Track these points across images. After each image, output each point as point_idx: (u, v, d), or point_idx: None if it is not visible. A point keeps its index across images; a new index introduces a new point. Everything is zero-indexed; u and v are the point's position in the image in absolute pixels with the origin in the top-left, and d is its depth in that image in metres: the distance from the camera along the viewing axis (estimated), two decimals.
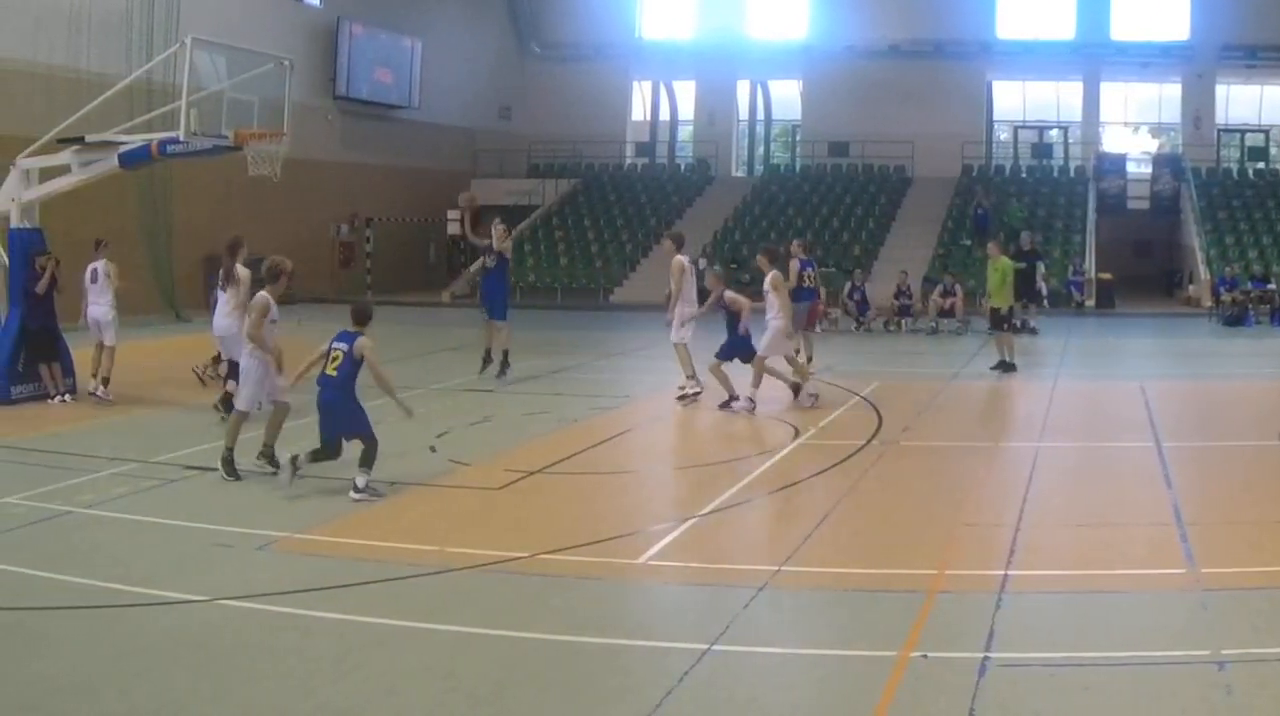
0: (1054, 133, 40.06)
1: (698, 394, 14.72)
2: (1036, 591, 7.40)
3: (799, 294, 17.22)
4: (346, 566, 7.85)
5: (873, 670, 6.09)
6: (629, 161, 41.59)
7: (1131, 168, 36.28)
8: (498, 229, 17.19)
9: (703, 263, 28.32)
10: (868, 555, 8.28)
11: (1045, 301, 26.67)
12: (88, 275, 15.10)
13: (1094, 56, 37.46)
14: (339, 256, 33.93)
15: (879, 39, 37.77)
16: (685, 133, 42.99)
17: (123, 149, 14.78)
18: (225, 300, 13.11)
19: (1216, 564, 7.74)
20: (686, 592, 7.67)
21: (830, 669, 6.26)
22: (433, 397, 14.98)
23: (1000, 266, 17.91)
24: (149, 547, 8.42)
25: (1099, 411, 15.05)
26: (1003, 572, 7.66)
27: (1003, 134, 40.77)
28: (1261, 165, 37.34)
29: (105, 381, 14.67)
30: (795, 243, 18.29)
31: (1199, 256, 30.77)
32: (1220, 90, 37.64)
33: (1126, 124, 40.11)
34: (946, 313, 24.75)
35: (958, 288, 25.14)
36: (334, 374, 9.75)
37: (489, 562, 7.94)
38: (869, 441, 12.19)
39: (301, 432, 11.42)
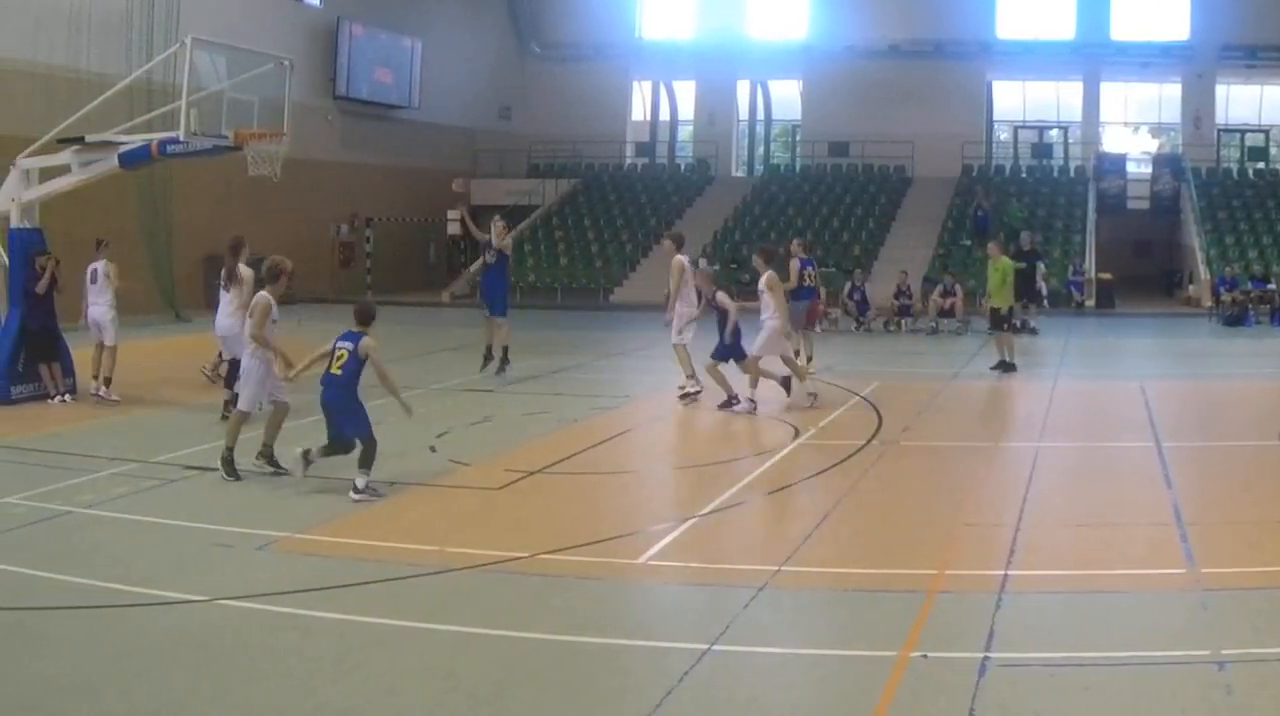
0: (1054, 133, 40.06)
1: (698, 393, 14.73)
2: (1036, 591, 7.40)
3: (799, 293, 17.28)
4: (346, 566, 7.85)
5: (873, 670, 6.09)
6: (629, 161, 41.60)
7: (1131, 168, 36.28)
8: (497, 226, 17.23)
9: (703, 263, 28.34)
10: (868, 555, 8.28)
11: (1045, 301, 26.66)
12: (88, 275, 15.10)
13: (1094, 56, 37.46)
14: (339, 256, 33.94)
15: (879, 39, 37.77)
16: (685, 133, 43.00)
17: (123, 149, 14.79)
18: (228, 300, 13.11)
19: (1216, 564, 7.74)
20: (686, 592, 7.66)
21: (830, 669, 6.26)
22: (433, 397, 14.98)
23: (1001, 266, 17.91)
24: (149, 547, 8.42)
25: (1099, 411, 15.05)
26: (1003, 572, 7.66)
27: (1003, 134, 40.77)
28: (1261, 165, 37.34)
29: (108, 381, 14.67)
30: (795, 242, 18.31)
31: (1199, 256, 30.77)
32: (1220, 90, 37.64)
33: (1126, 124, 40.11)
34: (946, 313, 24.76)
35: (958, 287, 25.15)
36: (339, 373, 9.79)
37: (489, 562, 7.94)
38: (869, 441, 12.19)
39: (301, 433, 11.42)
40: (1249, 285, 27.13)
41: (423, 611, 7.04)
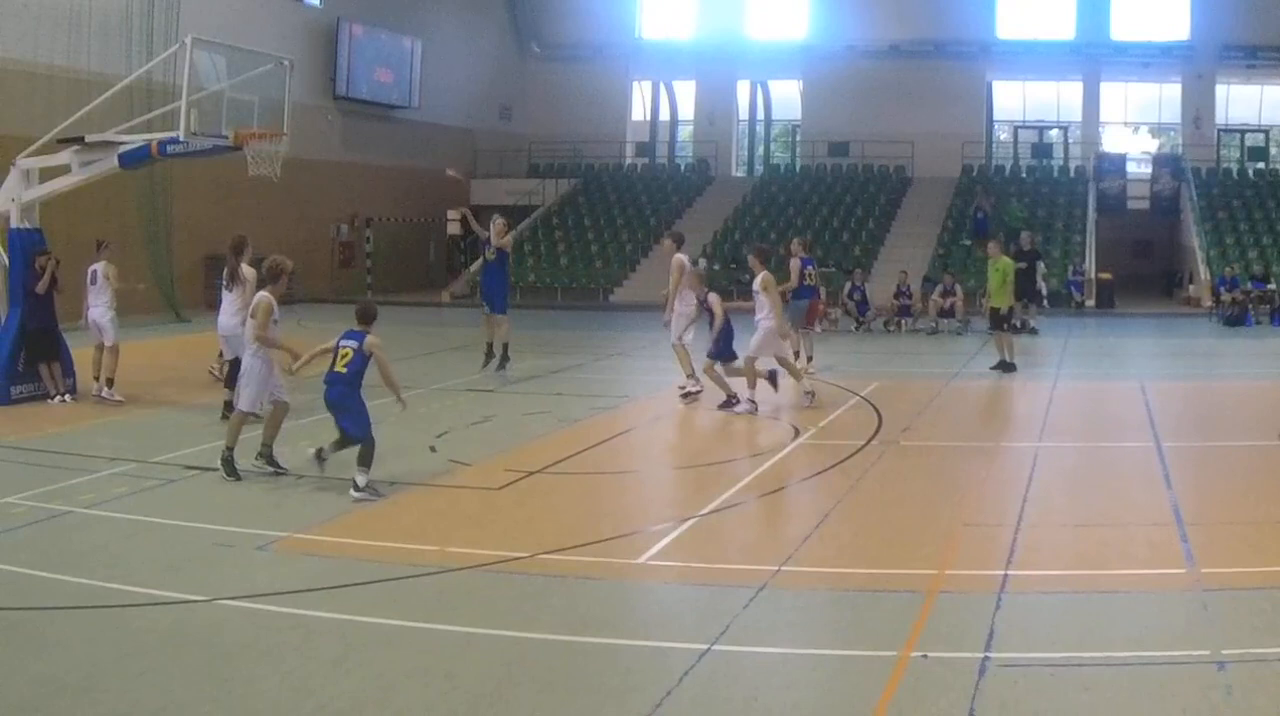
0: (1054, 133, 40.07)
1: (699, 392, 14.74)
2: (1036, 591, 7.40)
3: (800, 292, 17.33)
4: (346, 566, 7.85)
5: (873, 670, 6.09)
6: (629, 161, 41.60)
7: (1131, 168, 36.27)
8: (496, 224, 17.24)
9: (703, 263, 28.34)
10: (868, 555, 8.28)
11: (1045, 301, 26.67)
12: (88, 277, 15.11)
13: (1094, 56, 37.48)
14: (339, 256, 33.95)
15: (879, 39, 37.79)
16: (685, 133, 43.02)
17: (123, 149, 14.78)
18: (231, 300, 13.11)
19: (1216, 564, 7.74)
20: (686, 592, 7.66)
21: (830, 669, 6.26)
22: (433, 397, 14.99)
23: (1001, 266, 17.90)
24: (149, 547, 8.42)
25: (1099, 411, 15.05)
26: (1003, 572, 7.66)
27: (1003, 134, 40.80)
28: (1261, 165, 37.35)
29: (110, 382, 14.67)
30: (795, 241, 18.32)
31: (1199, 256, 30.77)
32: (1220, 90, 37.64)
33: (1126, 124, 40.11)
34: (946, 313, 24.77)
35: (958, 287, 25.17)
36: (344, 371, 9.87)
37: (489, 562, 7.94)
38: (869, 441, 12.19)
39: (301, 433, 11.44)
40: (1249, 285, 27.13)
41: (423, 611, 7.04)
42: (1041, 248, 27.40)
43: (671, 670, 6.07)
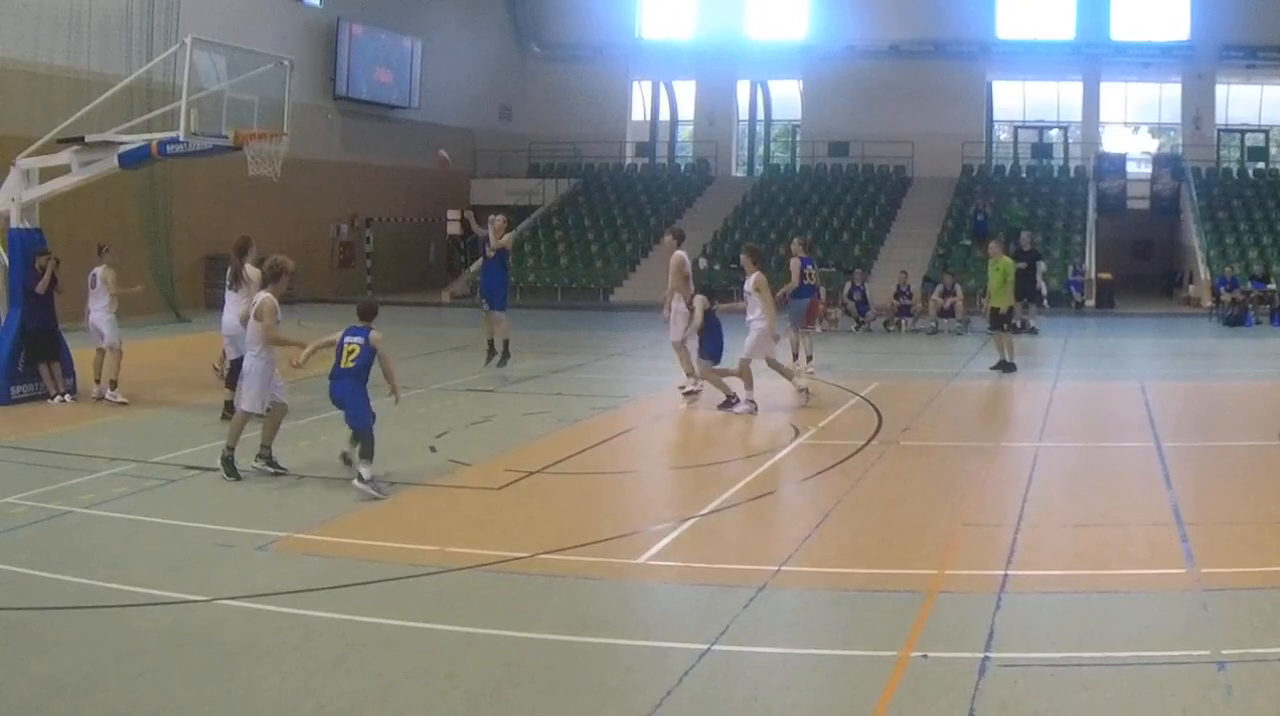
0: (1054, 133, 40.07)
1: (699, 391, 14.75)
2: (1036, 591, 7.40)
3: (800, 291, 17.36)
4: (346, 566, 7.85)
5: (873, 670, 6.09)
6: (629, 161, 41.60)
7: (1131, 168, 36.25)
8: (495, 224, 17.24)
9: (703, 263, 28.36)
10: (868, 555, 8.27)
11: (1045, 301, 26.66)
12: (89, 280, 15.12)
13: (1094, 56, 37.48)
14: (339, 256, 33.95)
15: (879, 39, 37.80)
16: (685, 133, 43.02)
17: (123, 149, 14.79)
18: (235, 300, 13.09)
19: (1216, 564, 7.74)
20: (686, 592, 7.66)
21: (830, 669, 6.26)
22: (433, 397, 14.99)
23: (1001, 266, 17.90)
24: (149, 547, 8.42)
25: (1099, 411, 15.04)
26: (1003, 572, 7.66)
27: (1003, 134, 40.79)
28: (1261, 165, 37.34)
29: (114, 383, 14.67)
30: (795, 241, 18.33)
31: (1199, 256, 30.77)
32: (1220, 90, 37.64)
33: (1126, 124, 40.11)
34: (946, 313, 24.77)
35: (958, 287, 25.16)
36: (351, 366, 9.95)
37: (489, 562, 7.94)
38: (869, 441, 12.19)
39: (301, 433, 11.45)
40: (1249, 285, 27.13)
41: (423, 611, 7.04)
42: (1041, 248, 27.39)
43: (671, 670, 6.07)
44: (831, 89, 38.28)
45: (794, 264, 17.43)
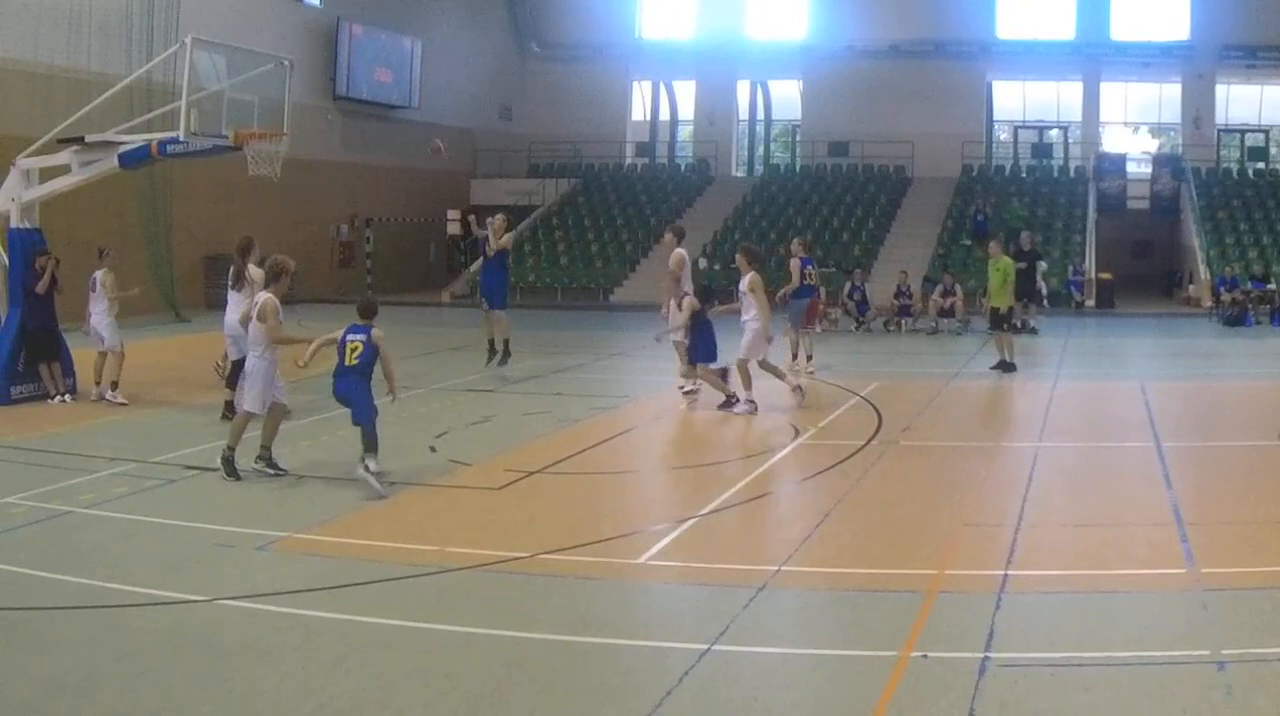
0: (1054, 133, 40.07)
1: (699, 390, 14.74)
2: (1036, 591, 7.40)
3: (800, 291, 17.38)
4: (347, 566, 7.85)
5: (873, 670, 6.09)
6: (629, 161, 41.61)
7: (1131, 168, 36.27)
8: (494, 223, 17.25)
9: (703, 262, 28.35)
10: (868, 555, 8.27)
11: (1045, 301, 26.67)
12: (89, 283, 15.13)
13: (1094, 56, 37.48)
14: (339, 256, 33.95)
15: (879, 39, 37.80)
16: (685, 133, 43.02)
17: (123, 149, 14.79)
18: (238, 300, 13.09)
19: (1216, 564, 7.74)
20: (686, 592, 7.66)
21: (830, 669, 6.26)
22: (433, 397, 14.99)
23: (1002, 266, 17.90)
24: (149, 547, 8.41)
25: (1099, 411, 15.04)
26: (1003, 572, 7.66)
27: (1003, 134, 40.79)
28: (1261, 165, 37.35)
29: (115, 385, 14.67)
30: (795, 241, 18.35)
31: (1199, 256, 30.77)
32: (1220, 90, 37.65)
33: (1126, 124, 40.11)
34: (946, 313, 24.77)
35: (958, 287, 25.17)
36: (355, 364, 10.03)
37: (489, 562, 7.94)
38: (869, 441, 12.19)
39: (302, 433, 11.45)
40: (1249, 285, 27.13)
41: (423, 611, 7.04)
42: (1041, 248, 27.40)
43: (671, 670, 6.07)
44: (831, 89, 38.29)
45: (794, 264, 17.45)
